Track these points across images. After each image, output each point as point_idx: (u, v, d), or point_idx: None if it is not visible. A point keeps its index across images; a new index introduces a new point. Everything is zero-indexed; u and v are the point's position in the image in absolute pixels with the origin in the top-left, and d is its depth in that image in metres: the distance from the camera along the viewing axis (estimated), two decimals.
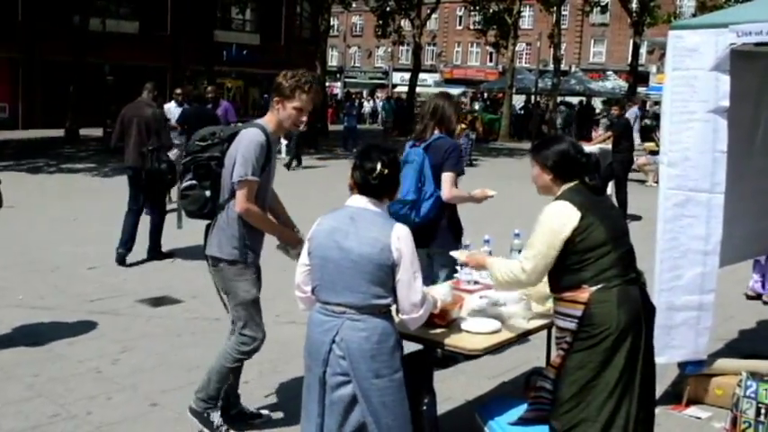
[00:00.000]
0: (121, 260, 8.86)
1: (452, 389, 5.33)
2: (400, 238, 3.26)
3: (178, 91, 13.27)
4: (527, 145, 30.51)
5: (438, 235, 5.44)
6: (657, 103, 43.22)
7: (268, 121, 4.38)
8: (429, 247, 5.34)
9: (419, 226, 5.08)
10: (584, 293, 3.47)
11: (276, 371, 5.71)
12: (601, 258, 3.46)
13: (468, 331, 3.77)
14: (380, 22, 36.69)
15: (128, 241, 8.94)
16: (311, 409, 3.44)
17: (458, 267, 4.62)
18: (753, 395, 4.58)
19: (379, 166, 3.30)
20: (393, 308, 3.40)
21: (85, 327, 6.60)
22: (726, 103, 4.43)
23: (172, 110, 12.78)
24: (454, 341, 3.67)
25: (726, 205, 4.74)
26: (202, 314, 7.05)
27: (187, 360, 5.88)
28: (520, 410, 3.73)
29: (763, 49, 5.13)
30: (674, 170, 4.63)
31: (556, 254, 3.48)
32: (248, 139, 4.25)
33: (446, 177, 5.39)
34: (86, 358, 5.86)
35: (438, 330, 3.77)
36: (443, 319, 3.79)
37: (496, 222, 8.81)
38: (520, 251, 4.98)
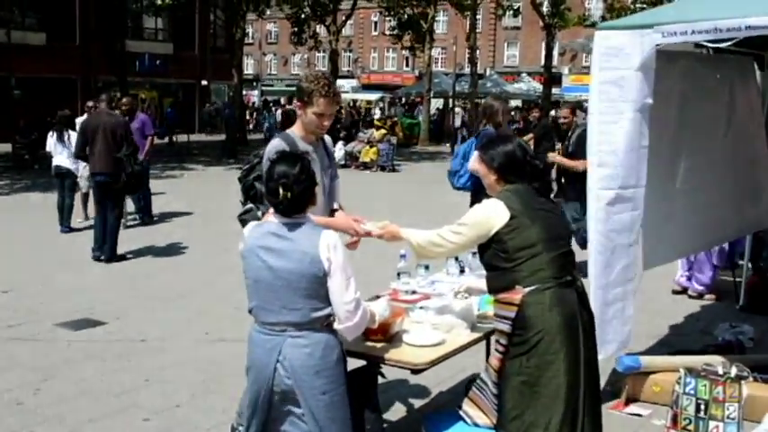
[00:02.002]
0: (98, 259, 9.69)
1: (391, 400, 5.23)
2: (329, 246, 3.16)
3: (90, 103, 12.76)
4: (446, 148, 30.84)
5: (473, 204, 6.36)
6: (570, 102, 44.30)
7: (296, 127, 4.21)
8: None
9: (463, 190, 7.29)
10: (518, 295, 3.42)
11: (210, 391, 5.50)
12: (532, 258, 3.42)
13: (410, 344, 3.67)
14: (296, 29, 36.41)
15: (101, 242, 9.71)
16: (252, 425, 3.36)
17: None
18: (692, 392, 4.62)
19: (281, 191, 3.15)
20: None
21: (1, 355, 6.25)
22: (650, 100, 4.46)
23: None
24: (397, 355, 3.56)
25: (657, 205, 4.80)
26: (127, 336, 6.78)
27: (114, 386, 5.61)
28: (465, 423, 3.64)
29: (684, 48, 5.23)
30: (604, 170, 4.64)
31: (474, 240, 3.53)
32: (266, 151, 4.10)
33: (475, 154, 6.10)
34: (4, 389, 5.52)
35: (380, 345, 3.66)
36: (385, 333, 3.68)
37: (422, 226, 8.73)
38: (457, 258, 4.93)
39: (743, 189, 6.14)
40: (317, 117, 4.01)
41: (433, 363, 3.53)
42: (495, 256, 3.48)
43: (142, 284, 8.66)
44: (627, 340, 4.99)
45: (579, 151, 8.07)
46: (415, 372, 3.56)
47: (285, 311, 3.19)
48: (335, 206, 4.36)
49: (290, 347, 3.19)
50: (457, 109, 37.84)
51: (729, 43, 4.11)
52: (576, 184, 8.25)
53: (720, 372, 4.78)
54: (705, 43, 4.34)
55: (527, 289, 3.40)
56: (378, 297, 4.50)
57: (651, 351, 6.14)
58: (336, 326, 3.25)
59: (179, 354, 6.32)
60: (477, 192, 6.55)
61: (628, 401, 5.29)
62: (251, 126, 40.41)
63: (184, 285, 8.57)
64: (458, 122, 34.94)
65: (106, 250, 9.72)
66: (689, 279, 8.21)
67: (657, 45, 4.31)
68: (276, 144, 4.07)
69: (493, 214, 3.47)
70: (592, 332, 3.57)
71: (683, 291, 8.26)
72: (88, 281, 8.79)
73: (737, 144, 5.98)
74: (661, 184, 4.78)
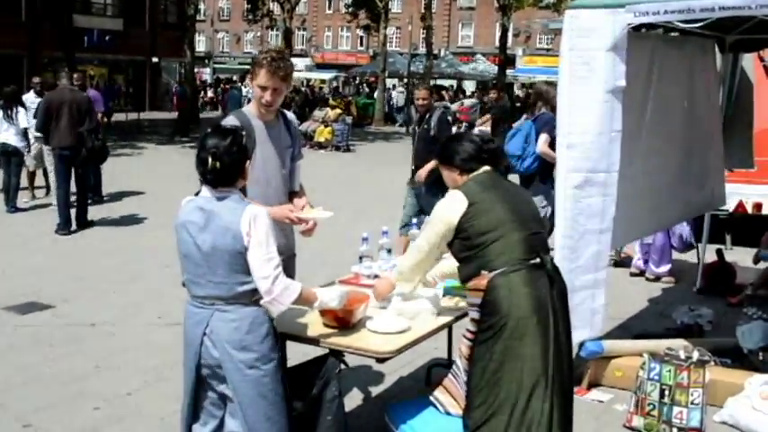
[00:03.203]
0: (63, 232, 9.91)
1: (349, 386, 5.09)
2: (251, 221, 3.11)
3: (36, 80, 12.37)
4: (401, 129, 30.73)
5: (533, 183, 7.32)
6: (524, 84, 44.51)
7: (252, 104, 4.06)
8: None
9: (523, 175, 7.39)
10: (484, 280, 3.36)
11: (163, 377, 5.31)
12: (496, 242, 3.36)
13: (374, 332, 3.54)
14: (249, 6, 35.86)
15: (65, 215, 9.98)
16: (184, 409, 3.38)
17: None
18: (656, 377, 4.58)
19: (210, 160, 3.12)
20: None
21: None
22: (622, 83, 4.38)
23: (30, 100, 11.90)
24: (360, 343, 3.43)
25: (620, 186, 4.71)
26: (76, 320, 6.53)
27: (63, 373, 5.39)
28: (432, 412, 3.54)
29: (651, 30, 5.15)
30: (574, 152, 4.55)
31: (442, 235, 3.51)
32: None
33: (541, 138, 7.17)
34: None
35: (342, 333, 3.53)
36: (347, 322, 3.55)
37: (380, 209, 8.63)
38: (389, 251, 4.80)
39: (693, 172, 6.14)
40: (259, 90, 3.87)
41: (399, 351, 3.41)
42: (461, 245, 3.45)
43: (92, 266, 8.39)
44: (597, 329, 4.92)
45: (442, 134, 7.79)
46: (380, 360, 3.44)
47: (212, 285, 3.19)
48: (296, 188, 4.20)
49: (218, 321, 3.19)
50: (399, 89, 37.63)
51: (701, 24, 4.03)
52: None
53: (683, 356, 4.75)
54: (676, 23, 4.25)
55: (493, 273, 3.33)
56: (338, 283, 4.38)
57: (610, 335, 6.10)
58: (262, 302, 3.19)
59: (130, 339, 6.11)
60: (543, 173, 7.26)
61: (589, 386, 5.25)
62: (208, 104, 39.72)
63: (136, 267, 8.33)
64: (401, 102, 34.94)
65: (77, 218, 10.18)
66: (646, 262, 8.22)
67: (629, 24, 4.22)
68: (228, 120, 3.93)
69: (450, 206, 3.47)
70: (565, 317, 3.48)
71: (641, 273, 8.27)
72: (35, 262, 8.49)
73: (693, 127, 5.96)
74: (624, 164, 4.70)
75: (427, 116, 8.06)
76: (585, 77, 4.40)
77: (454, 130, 8.76)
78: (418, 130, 8.17)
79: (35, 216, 11.26)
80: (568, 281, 4.66)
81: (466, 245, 3.42)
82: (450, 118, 9.47)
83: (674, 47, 5.60)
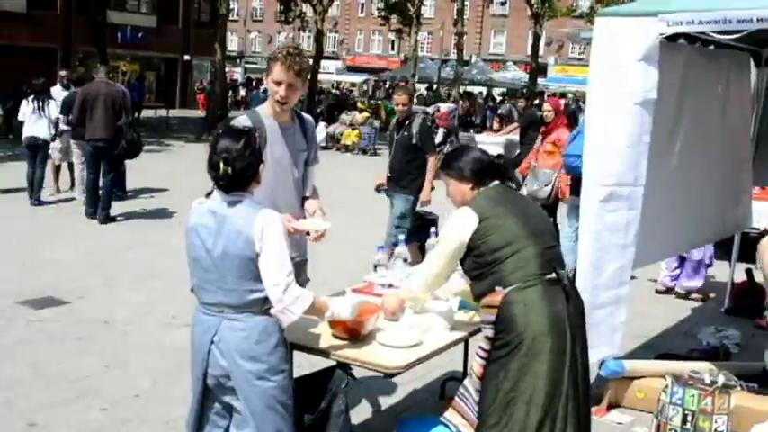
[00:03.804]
0: (91, 215, 10.41)
1: (358, 397, 4.97)
2: (264, 226, 3.00)
3: (63, 73, 12.41)
4: None
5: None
6: (555, 94, 44.18)
7: (267, 104, 3.95)
8: None
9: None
10: (498, 296, 3.23)
11: (173, 380, 5.22)
12: (511, 257, 3.23)
13: (384, 345, 3.40)
14: (282, 7, 35.88)
15: (93, 201, 10.44)
16: (189, 417, 3.27)
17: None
18: (679, 402, 4.41)
19: (222, 166, 3.01)
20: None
21: None
22: (653, 95, 4.22)
23: (56, 94, 11.92)
24: (369, 357, 3.30)
25: (647, 202, 4.55)
26: (90, 316, 6.48)
27: (72, 370, 5.32)
28: (443, 431, 3.41)
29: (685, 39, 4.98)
30: (600, 165, 4.39)
31: (452, 254, 3.40)
32: None
33: None
34: None
35: (351, 344, 3.40)
36: (357, 333, 3.42)
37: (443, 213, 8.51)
38: (405, 260, 4.70)
39: (727, 189, 5.94)
40: (274, 85, 3.76)
41: (408, 366, 3.27)
42: (473, 263, 3.33)
43: (111, 262, 8.35)
44: (617, 347, 4.76)
45: (427, 144, 7.65)
46: (388, 376, 3.30)
47: (221, 292, 3.09)
48: (307, 193, 4.08)
49: (226, 329, 3.08)
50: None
51: (737, 36, 3.86)
52: (408, 178, 7.71)
53: (708, 380, 4.58)
54: (711, 35, 4.09)
55: (507, 289, 3.20)
56: (351, 292, 4.26)
57: (633, 354, 5.93)
58: (272, 310, 3.08)
59: (143, 338, 6.04)
60: None
61: (609, 407, 5.08)
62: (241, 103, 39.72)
63: (154, 265, 8.26)
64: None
65: (100, 212, 10.36)
66: (675, 278, 8.02)
67: (662, 34, 4.06)
68: (239, 120, 3.83)
69: (460, 223, 3.35)
70: (582, 334, 3.34)
71: (667, 291, 8.07)
72: (55, 257, 8.46)
73: (726, 142, 5.77)
74: (652, 180, 4.53)
75: (407, 123, 7.71)
76: (614, 88, 4.25)
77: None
78: (396, 137, 7.79)
79: (59, 210, 11.28)
80: (590, 297, 4.54)
81: (479, 262, 3.30)
82: (430, 125, 9.25)
83: (708, 59, 5.43)
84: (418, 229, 7.55)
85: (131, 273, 7.94)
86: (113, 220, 10.55)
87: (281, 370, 3.09)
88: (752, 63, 6.27)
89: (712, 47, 5.30)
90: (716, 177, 5.72)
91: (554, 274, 3.27)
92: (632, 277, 7.84)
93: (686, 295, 7.95)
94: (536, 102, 24.02)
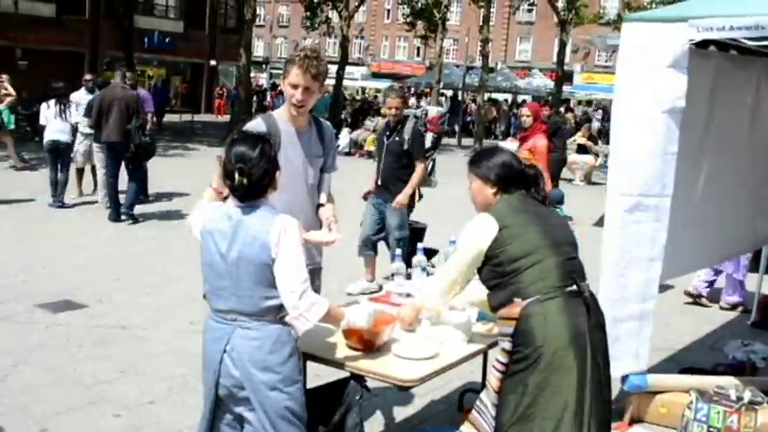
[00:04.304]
0: (114, 218, 10.63)
1: (373, 408, 4.88)
2: (281, 232, 2.94)
3: (88, 77, 12.47)
4: (453, 140, 30.47)
5: None
6: (581, 102, 43.88)
7: (283, 108, 3.90)
8: None
9: None
10: (516, 308, 3.12)
11: (188, 387, 5.16)
12: (531, 267, 3.13)
13: (400, 356, 3.32)
14: (308, 13, 35.93)
15: (115, 203, 10.68)
16: (200, 428, 3.19)
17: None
18: (704, 418, 4.29)
19: (237, 177, 2.95)
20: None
21: None
22: (682, 103, 4.09)
23: (80, 97, 11.99)
24: (384, 369, 3.21)
25: (675, 213, 4.42)
26: (107, 321, 6.45)
27: (87, 376, 5.28)
28: None
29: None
30: (625, 174, 4.27)
31: (470, 262, 3.29)
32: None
33: None
34: None
35: (365, 355, 3.32)
36: (371, 344, 3.34)
37: (422, 218, 8.38)
38: (424, 269, 4.61)
39: (758, 199, 5.78)
40: (290, 88, 3.70)
41: (423, 380, 3.18)
42: (491, 272, 3.22)
43: (130, 266, 8.33)
44: (643, 362, 4.62)
45: (417, 149, 7.38)
46: (403, 389, 3.21)
47: (235, 299, 3.02)
48: (322, 200, 4.01)
49: (239, 338, 3.01)
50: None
51: None
52: (400, 185, 7.41)
53: (733, 396, 4.45)
54: (742, 41, 3.96)
55: (526, 301, 3.10)
56: (368, 300, 4.18)
57: (657, 367, 5.79)
58: (287, 317, 3.01)
59: (159, 344, 6.00)
60: None
61: (631, 422, 4.96)
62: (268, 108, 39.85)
63: (174, 270, 8.22)
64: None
65: (123, 210, 10.71)
66: (708, 286, 7.87)
67: (691, 41, 3.94)
68: (253, 124, 3.77)
69: (480, 230, 3.23)
70: (603, 348, 3.23)
71: (699, 296, 7.91)
72: (76, 260, 8.46)
73: (757, 152, 5.62)
74: (681, 190, 4.40)
75: (399, 127, 7.43)
76: (641, 95, 4.12)
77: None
78: (387, 142, 7.50)
79: (81, 213, 11.32)
80: (613, 310, 4.41)
81: (497, 271, 3.19)
82: (422, 129, 9.03)
83: (738, 67, 5.29)
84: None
85: (150, 277, 7.91)
86: (136, 220, 10.71)
87: (294, 381, 3.02)
88: None
89: (735, 52, 5.16)
90: (747, 187, 5.57)
91: (575, 287, 3.17)
92: (669, 286, 7.79)
93: (732, 308, 7.83)
94: (561, 109, 23.86)
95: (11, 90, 14.99)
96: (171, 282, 7.78)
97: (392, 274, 4.33)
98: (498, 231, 3.17)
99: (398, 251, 4.71)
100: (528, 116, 8.32)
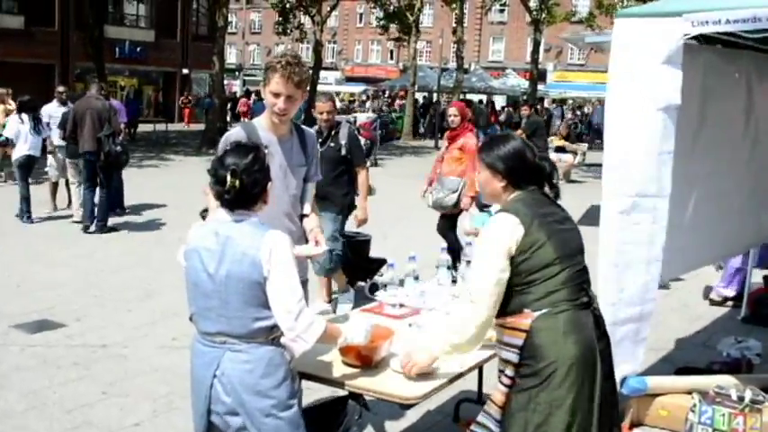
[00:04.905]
0: (86, 229, 10.61)
1: (371, 419, 4.72)
2: (272, 249, 2.79)
3: (60, 89, 12.23)
4: (429, 143, 30.43)
5: None
6: (555, 100, 43.97)
7: (264, 116, 3.73)
8: None
9: None
10: (527, 319, 2.95)
11: (173, 407, 4.98)
12: (547, 280, 2.95)
13: (399, 372, 3.16)
14: (281, 18, 35.76)
15: (90, 215, 10.63)
16: None
17: None
18: (708, 421, 4.19)
19: (229, 178, 2.79)
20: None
21: None
22: (677, 100, 3.97)
23: (53, 110, 11.76)
24: (384, 387, 3.06)
25: (673, 211, 4.30)
26: (86, 340, 6.24)
27: (67, 399, 5.08)
28: None
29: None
30: (620, 174, 4.14)
31: (504, 272, 2.94)
32: (222, 140, 3.65)
33: None
34: None
35: (363, 372, 3.17)
36: (369, 360, 3.19)
37: (405, 228, 8.25)
38: (449, 267, 4.49)
39: (760, 194, 5.68)
40: (272, 97, 3.54)
41: (426, 396, 3.04)
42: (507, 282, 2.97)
43: (108, 282, 8.11)
44: (639, 363, 4.51)
45: (358, 155, 7.06)
46: (405, 407, 3.05)
47: (224, 320, 2.84)
48: (306, 211, 3.85)
49: (229, 362, 2.85)
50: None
51: (764, 35, 3.64)
52: (338, 194, 6.97)
53: (735, 397, 4.35)
54: (742, 35, 3.85)
55: (537, 313, 2.93)
56: (361, 311, 4.04)
57: (653, 367, 5.71)
58: (282, 339, 2.86)
59: (142, 362, 5.80)
60: None
61: (632, 426, 4.84)
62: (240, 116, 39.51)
63: (153, 284, 8.02)
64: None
65: (96, 223, 10.63)
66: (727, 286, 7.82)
67: (686, 35, 3.82)
68: (233, 133, 3.62)
69: (507, 235, 2.94)
70: (609, 360, 3.10)
71: (723, 300, 7.85)
72: (51, 277, 8.22)
73: (755, 145, 5.52)
74: (679, 189, 4.28)
75: (333, 133, 6.94)
76: (635, 93, 3.99)
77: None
78: (321, 150, 6.67)
79: (56, 228, 11.07)
80: (611, 314, 4.29)
81: (514, 281, 2.96)
82: (358, 134, 8.81)
83: (728, 61, 5.19)
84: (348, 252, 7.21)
85: (129, 293, 7.70)
86: (111, 230, 10.73)
87: (289, 405, 2.86)
88: None
89: (719, 46, 5.07)
90: (746, 183, 5.47)
91: (585, 298, 3.04)
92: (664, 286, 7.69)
93: (722, 302, 7.77)
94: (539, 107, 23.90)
95: (13, 105, 14.41)
96: (151, 296, 7.58)
97: (384, 285, 4.18)
98: (523, 236, 2.94)
99: (390, 261, 4.56)
100: (455, 116, 8.14)
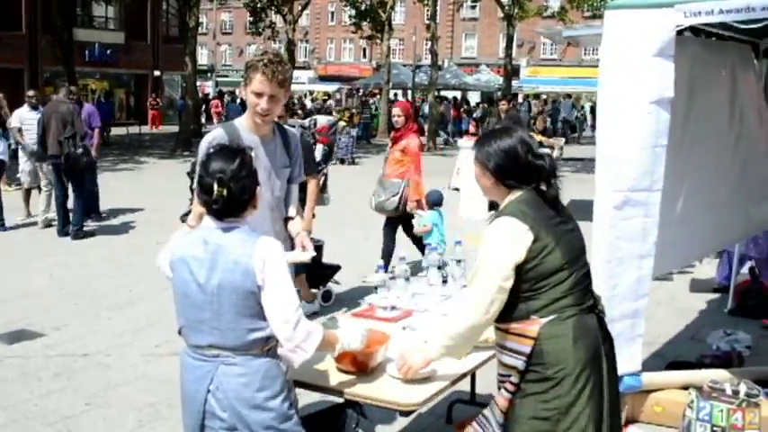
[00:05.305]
0: (62, 234, 10.56)
1: (363, 424, 4.62)
2: (266, 258, 2.66)
3: (30, 93, 12.00)
4: None
5: None
6: (529, 96, 44.08)
7: (245, 116, 3.60)
8: None
9: None
10: (534, 326, 2.84)
11: (159, 417, 4.87)
12: (556, 286, 2.84)
13: (396, 377, 3.07)
14: (252, 18, 35.54)
15: (65, 221, 10.60)
16: None
17: None
18: (707, 418, 4.13)
19: (216, 187, 2.64)
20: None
21: None
22: (670, 93, 3.90)
23: (25, 115, 11.53)
24: (381, 394, 2.97)
25: (662, 207, 4.25)
26: (67, 350, 6.09)
27: (50, 412, 4.94)
28: None
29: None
30: (613, 169, 4.07)
31: (506, 289, 2.82)
32: (202, 142, 3.52)
33: None
34: None
35: (359, 379, 3.07)
36: (365, 367, 3.09)
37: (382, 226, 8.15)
38: (439, 267, 4.42)
39: (748, 186, 5.65)
40: (254, 97, 3.42)
41: (425, 402, 2.95)
42: (512, 287, 2.84)
43: (87, 289, 7.95)
44: (636, 361, 4.45)
45: (308, 164, 6.20)
46: (405, 414, 2.95)
47: (216, 333, 2.71)
48: (291, 213, 3.75)
49: (224, 376, 2.71)
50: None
51: (760, 24, 3.58)
52: None
53: (729, 391, 4.31)
54: (736, 25, 3.79)
55: (544, 320, 2.83)
56: (353, 316, 3.94)
57: (644, 362, 5.62)
58: (279, 350, 2.74)
59: (125, 371, 5.67)
60: None
61: (627, 423, 4.78)
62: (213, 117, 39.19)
63: (133, 290, 7.86)
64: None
65: (71, 228, 10.52)
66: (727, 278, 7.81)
67: (678, 26, 3.76)
68: (214, 135, 3.50)
69: (517, 241, 2.80)
70: (614, 361, 3.03)
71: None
72: (28, 285, 8.05)
73: (740, 138, 5.48)
74: (668, 183, 4.22)
75: None
76: (627, 86, 3.92)
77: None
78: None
79: (30, 235, 10.85)
80: (607, 311, 4.22)
81: (521, 286, 2.84)
82: (311, 141, 8.61)
83: (714, 53, 5.15)
84: None
85: (109, 300, 7.54)
86: (87, 236, 10.57)
87: (288, 417, 2.74)
88: (752, 56, 6.01)
89: (703, 36, 5.03)
90: (732, 175, 5.43)
91: (590, 301, 2.96)
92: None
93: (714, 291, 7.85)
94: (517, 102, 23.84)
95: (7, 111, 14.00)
96: (132, 303, 7.43)
97: (375, 287, 4.09)
98: (533, 243, 2.81)
99: (381, 262, 4.47)
100: (399, 116, 7.97)
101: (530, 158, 2.93)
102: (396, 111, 8.05)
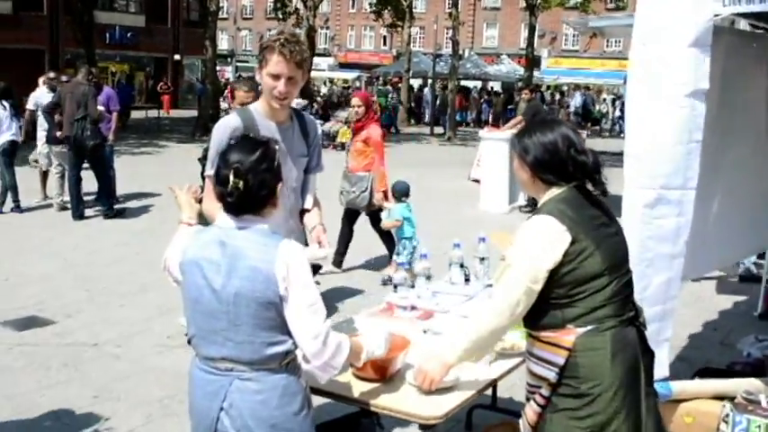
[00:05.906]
0: (76, 217, 10.52)
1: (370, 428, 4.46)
2: (289, 263, 2.44)
3: (51, 75, 11.91)
4: (425, 129, 30.18)
5: None
6: (549, 87, 43.65)
7: (260, 101, 3.41)
8: None
9: None
10: (569, 336, 2.64)
11: (169, 412, 4.72)
12: (594, 294, 2.64)
13: (416, 386, 2.87)
14: (274, 4, 35.37)
15: (77, 203, 10.55)
16: None
17: None
18: None
19: (232, 178, 2.44)
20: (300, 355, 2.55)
21: None
22: (705, 84, 3.70)
23: (43, 96, 11.41)
24: (401, 404, 2.77)
25: (697, 206, 4.04)
26: (77, 339, 5.96)
27: (57, 403, 4.79)
28: None
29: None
30: (644, 166, 3.87)
31: (535, 292, 2.64)
32: (215, 128, 3.37)
33: None
34: None
35: (378, 387, 2.88)
36: (384, 373, 2.90)
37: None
38: (461, 265, 4.24)
39: None
40: (271, 79, 3.22)
41: (448, 414, 2.74)
42: (546, 289, 2.65)
43: (100, 276, 7.82)
44: (664, 366, 4.25)
45: None
46: (426, 427, 2.74)
47: (231, 345, 2.48)
48: (307, 205, 3.56)
49: (238, 393, 2.48)
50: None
51: None
52: None
53: (764, 403, 4.11)
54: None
55: (581, 330, 2.63)
56: (368, 316, 3.76)
57: (670, 367, 5.44)
58: (304, 365, 2.52)
59: (135, 362, 5.53)
60: None
61: None
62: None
63: (147, 277, 7.68)
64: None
65: (103, 211, 10.76)
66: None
67: (716, 16, 3.55)
68: (228, 121, 3.31)
69: (554, 243, 2.62)
70: (652, 375, 2.84)
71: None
72: (41, 270, 7.94)
73: None
74: (702, 181, 4.01)
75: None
76: (660, 78, 3.71)
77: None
78: None
79: (46, 218, 10.76)
80: None
81: (557, 291, 2.66)
82: None
83: (749, 45, 4.92)
84: None
85: (122, 287, 7.41)
86: (118, 214, 10.84)
87: None
88: None
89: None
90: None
91: (631, 312, 2.76)
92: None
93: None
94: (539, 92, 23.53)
95: None
96: (145, 291, 7.28)
97: (395, 286, 3.90)
98: (570, 245, 2.62)
99: (397, 257, 4.28)
100: (359, 106, 7.81)
101: (572, 153, 2.72)
102: (355, 101, 7.95)
